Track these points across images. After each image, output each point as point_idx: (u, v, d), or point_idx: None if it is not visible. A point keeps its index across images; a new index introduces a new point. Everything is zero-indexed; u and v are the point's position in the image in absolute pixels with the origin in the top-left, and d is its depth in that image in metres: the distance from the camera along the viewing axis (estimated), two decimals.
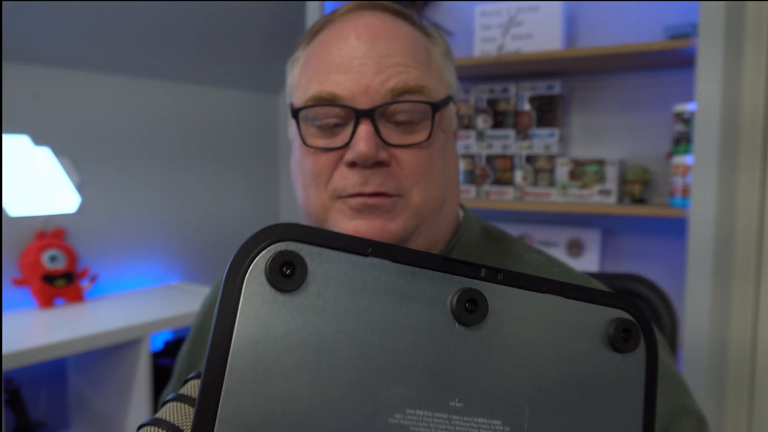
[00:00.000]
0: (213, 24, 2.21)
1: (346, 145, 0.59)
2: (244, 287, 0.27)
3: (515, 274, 0.31)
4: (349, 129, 0.59)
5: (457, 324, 0.29)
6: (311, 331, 0.27)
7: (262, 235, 0.28)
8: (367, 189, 0.58)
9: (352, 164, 0.59)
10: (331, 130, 0.61)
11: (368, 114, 0.58)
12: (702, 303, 1.37)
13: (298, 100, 0.64)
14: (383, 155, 0.58)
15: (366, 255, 0.28)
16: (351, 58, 0.59)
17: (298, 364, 0.27)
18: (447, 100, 0.64)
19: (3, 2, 1.67)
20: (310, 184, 0.62)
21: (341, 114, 0.60)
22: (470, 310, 0.29)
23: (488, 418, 0.29)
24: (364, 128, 0.58)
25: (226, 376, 0.26)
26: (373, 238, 0.60)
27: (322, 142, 0.61)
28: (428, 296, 0.29)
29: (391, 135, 0.59)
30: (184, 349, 0.81)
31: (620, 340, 0.32)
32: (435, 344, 0.29)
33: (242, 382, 0.26)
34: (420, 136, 0.60)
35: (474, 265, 0.30)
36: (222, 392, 0.26)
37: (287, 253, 0.27)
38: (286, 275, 0.27)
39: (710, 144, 1.38)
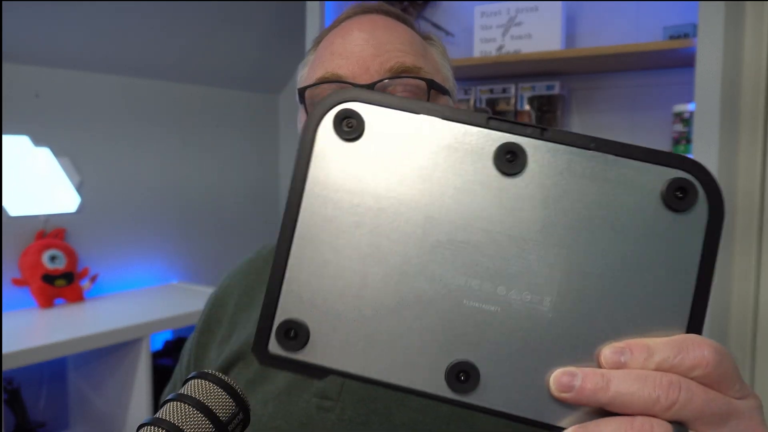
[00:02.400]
0: (213, 24, 2.21)
1: None
2: (317, 137, 0.32)
3: (563, 132, 0.31)
4: None
5: (498, 173, 0.31)
6: (369, 172, 0.32)
7: (330, 97, 0.33)
8: None
9: None
10: None
11: (369, 88, 0.62)
12: None
13: (314, 73, 0.68)
14: None
15: (417, 113, 0.32)
16: (353, 46, 0.64)
17: (358, 198, 0.32)
18: (444, 89, 0.67)
19: (3, 2, 1.67)
20: None
21: None
22: (510, 160, 0.31)
23: (524, 255, 0.31)
24: None
25: (302, 203, 0.32)
26: None
27: None
28: (473, 149, 0.32)
29: None
30: (192, 340, 0.82)
31: (674, 198, 0.31)
32: (477, 189, 0.32)
33: (314, 207, 0.32)
34: None
35: (520, 124, 0.32)
36: (299, 214, 0.32)
37: (348, 110, 0.32)
38: (349, 127, 0.32)
39: (711, 139, 1.39)
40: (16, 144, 1.81)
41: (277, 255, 0.32)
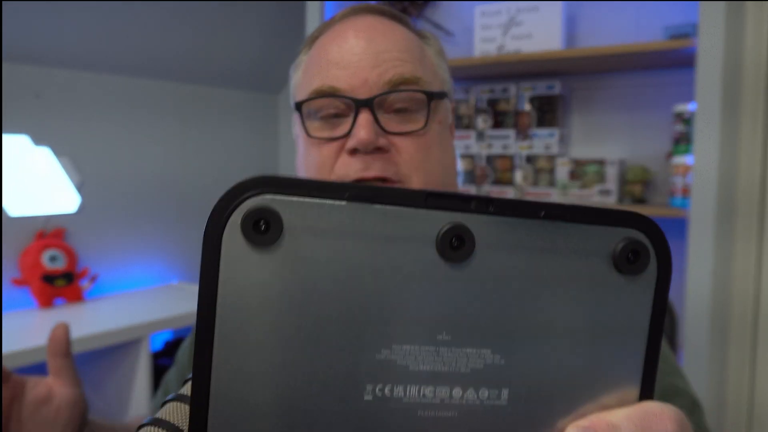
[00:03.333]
0: (213, 24, 2.21)
1: (347, 135, 0.62)
2: (222, 247, 0.27)
3: (509, 202, 0.29)
4: (349, 120, 0.62)
5: (443, 261, 0.28)
6: (293, 283, 0.27)
7: (234, 190, 0.27)
8: (369, 174, 0.61)
9: (353, 151, 0.62)
10: (332, 121, 0.64)
11: (367, 104, 0.61)
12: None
13: (301, 97, 0.67)
14: (382, 142, 0.61)
15: (344, 200, 0.27)
16: (350, 55, 0.62)
17: (282, 318, 0.27)
18: (442, 94, 0.66)
19: (3, 2, 1.67)
20: (314, 176, 0.65)
21: (341, 106, 0.63)
22: (456, 246, 0.28)
23: (477, 348, 0.29)
24: (364, 116, 0.61)
25: (215, 333, 0.27)
26: None
27: (324, 134, 0.64)
28: (413, 235, 0.28)
29: (390, 123, 0.62)
30: (188, 341, 0.82)
31: (625, 261, 0.29)
32: (421, 283, 0.28)
33: (230, 338, 0.27)
34: (417, 124, 0.63)
35: (464, 198, 0.28)
36: (214, 350, 0.27)
37: (260, 209, 0.27)
38: (261, 231, 0.27)
39: (712, 140, 1.39)
40: (16, 144, 1.81)
41: (193, 401, 0.27)
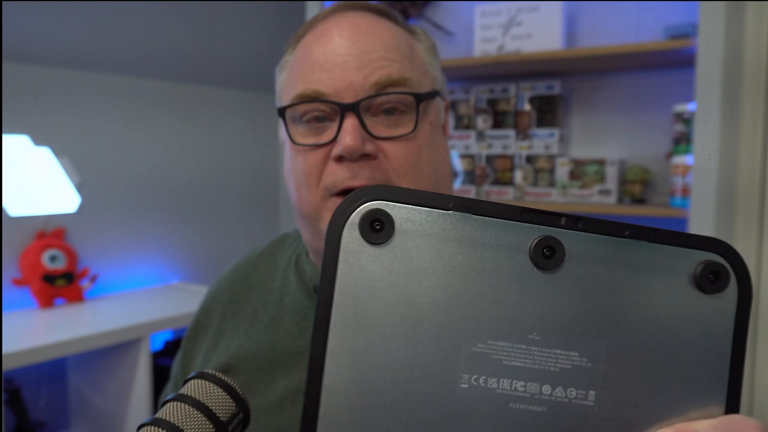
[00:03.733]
0: (213, 24, 2.21)
1: (334, 141, 0.59)
2: (342, 241, 0.31)
3: (596, 221, 0.32)
4: (335, 125, 0.60)
5: (535, 268, 0.31)
6: (401, 277, 0.31)
7: (354, 196, 0.31)
8: (357, 182, 0.59)
9: (340, 158, 0.59)
10: (318, 126, 0.61)
11: (353, 108, 0.58)
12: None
13: (286, 101, 0.64)
14: (370, 148, 0.59)
15: (448, 209, 0.31)
16: (334, 56, 0.60)
17: (391, 306, 0.31)
18: (433, 94, 0.64)
19: (3, 2, 1.67)
20: (302, 184, 0.63)
21: (327, 110, 0.60)
22: (547, 255, 0.31)
23: (565, 350, 0.31)
24: (350, 122, 0.58)
25: (332, 314, 0.31)
26: None
27: (310, 140, 0.61)
28: (508, 244, 0.31)
29: (377, 128, 0.60)
30: (179, 351, 0.81)
31: (707, 281, 0.32)
32: (515, 287, 0.31)
33: (344, 319, 0.31)
34: (406, 128, 0.60)
35: (554, 215, 0.31)
36: (329, 329, 0.30)
37: (376, 210, 0.31)
38: (377, 230, 0.31)
39: (712, 140, 1.39)
40: (16, 144, 1.81)
41: (310, 373, 0.31)
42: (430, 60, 0.66)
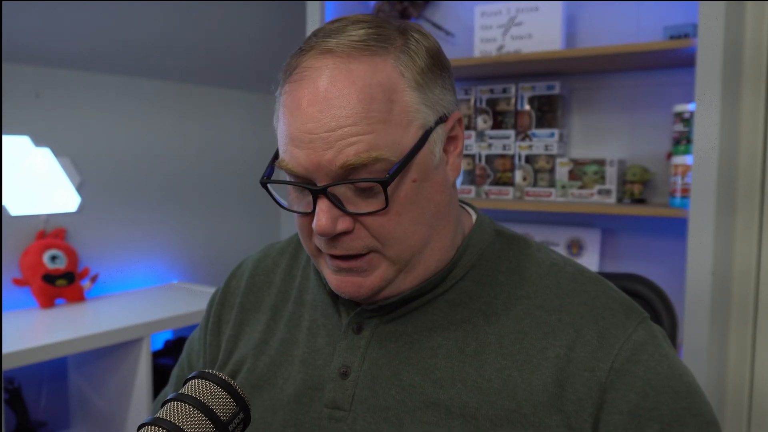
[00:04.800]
0: (213, 24, 2.22)
1: (313, 212, 0.61)
2: None
3: None
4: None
5: None
6: None
7: None
8: (336, 252, 0.62)
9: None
10: (303, 191, 0.62)
11: (323, 191, 0.59)
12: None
13: (279, 147, 0.64)
14: (344, 225, 0.60)
15: None
16: (302, 133, 0.59)
17: None
18: (421, 141, 0.60)
19: (3, 2, 1.67)
20: (300, 232, 0.66)
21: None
22: None
23: None
24: (321, 206, 0.59)
25: None
26: (351, 293, 0.63)
27: (296, 206, 0.64)
28: None
29: (351, 202, 0.60)
30: (199, 341, 0.82)
31: None
32: None
33: None
34: (379, 204, 0.59)
35: None
36: None
37: None
38: None
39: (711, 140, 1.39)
40: (16, 144, 1.81)
41: None
42: (420, 94, 0.61)
